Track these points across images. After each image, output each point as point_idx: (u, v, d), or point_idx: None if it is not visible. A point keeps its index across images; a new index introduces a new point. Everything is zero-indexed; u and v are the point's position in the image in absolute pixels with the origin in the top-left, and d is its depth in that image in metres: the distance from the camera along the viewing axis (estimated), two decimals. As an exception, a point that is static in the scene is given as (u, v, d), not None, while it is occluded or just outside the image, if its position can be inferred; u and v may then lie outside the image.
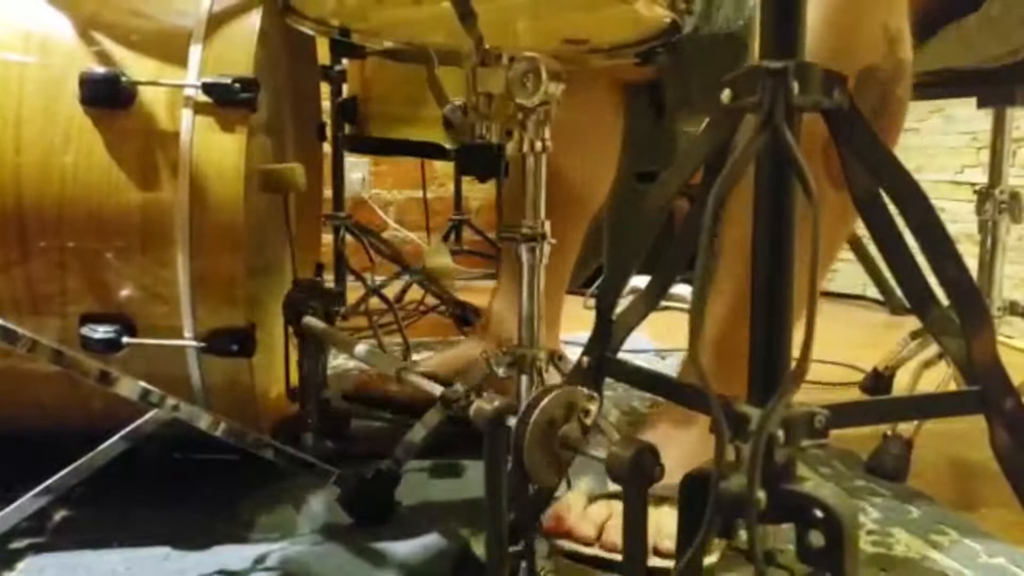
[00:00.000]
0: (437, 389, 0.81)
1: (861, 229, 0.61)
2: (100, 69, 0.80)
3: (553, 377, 0.74)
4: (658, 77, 1.12)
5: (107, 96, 0.80)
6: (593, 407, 0.59)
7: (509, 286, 1.20)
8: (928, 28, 0.96)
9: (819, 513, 0.44)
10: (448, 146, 1.70)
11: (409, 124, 1.84)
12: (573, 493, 0.79)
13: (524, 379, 0.73)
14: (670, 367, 1.66)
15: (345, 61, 1.83)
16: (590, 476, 0.80)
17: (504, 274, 1.25)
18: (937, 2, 0.94)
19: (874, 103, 0.78)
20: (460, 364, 1.14)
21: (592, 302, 1.68)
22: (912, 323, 1.46)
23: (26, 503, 0.73)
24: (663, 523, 0.70)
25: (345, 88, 1.88)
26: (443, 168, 2.93)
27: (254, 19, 0.85)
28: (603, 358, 0.65)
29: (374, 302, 1.85)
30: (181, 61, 0.82)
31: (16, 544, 0.80)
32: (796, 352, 0.45)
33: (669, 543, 0.62)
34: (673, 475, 0.51)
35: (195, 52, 0.82)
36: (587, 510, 0.78)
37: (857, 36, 0.77)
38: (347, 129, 1.89)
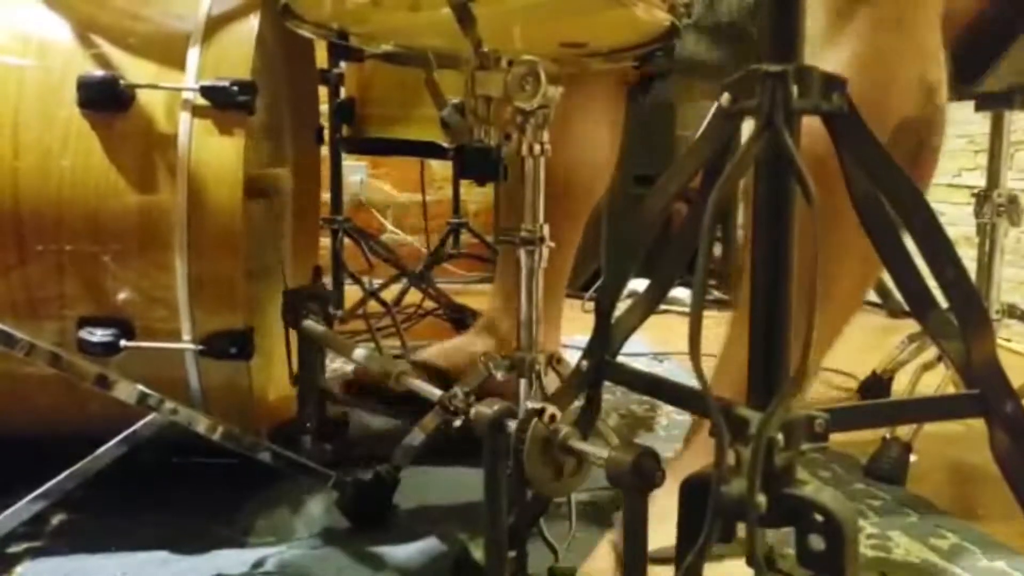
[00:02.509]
0: (435, 393, 0.81)
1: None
2: (98, 72, 0.80)
3: (552, 381, 0.74)
4: (662, 69, 1.12)
5: (105, 99, 0.80)
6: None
7: (505, 287, 1.20)
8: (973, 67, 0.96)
9: (819, 517, 0.44)
10: (446, 145, 1.71)
11: (407, 125, 1.84)
12: (598, 554, 0.76)
13: (523, 383, 0.73)
14: (668, 370, 1.66)
15: (343, 64, 1.84)
16: (614, 531, 0.77)
17: (500, 275, 1.25)
18: (973, 45, 0.93)
19: (909, 154, 0.77)
20: (459, 357, 1.14)
21: (591, 305, 1.68)
22: (910, 326, 1.46)
23: (24, 507, 0.73)
24: None
25: (343, 90, 1.88)
26: (441, 171, 2.93)
27: (252, 22, 0.85)
28: (602, 361, 0.64)
29: (372, 305, 1.85)
30: (179, 64, 0.82)
31: (14, 548, 0.79)
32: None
33: None
34: None
35: (193, 55, 0.82)
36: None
37: (892, 89, 0.76)
38: (345, 131, 1.89)
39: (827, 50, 0.75)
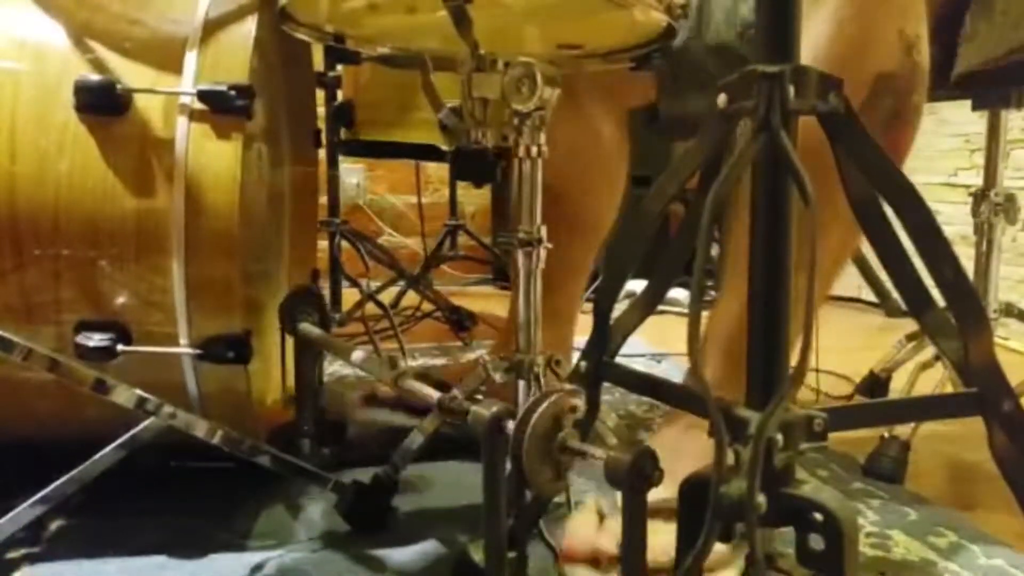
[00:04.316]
0: (434, 395, 0.81)
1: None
2: (95, 77, 0.80)
3: (551, 382, 0.74)
4: (657, 97, 1.12)
5: (102, 104, 0.79)
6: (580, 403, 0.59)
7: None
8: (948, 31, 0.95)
9: (819, 516, 0.44)
10: (444, 147, 1.71)
11: (404, 127, 1.85)
12: (582, 510, 0.76)
13: (522, 384, 0.73)
14: (666, 371, 1.66)
15: (339, 67, 1.84)
16: (596, 493, 0.78)
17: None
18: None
19: (889, 110, 0.77)
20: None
21: (589, 306, 1.68)
22: (908, 325, 1.46)
23: (22, 513, 0.73)
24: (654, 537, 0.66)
25: (339, 93, 1.88)
26: (438, 173, 2.93)
27: (249, 26, 0.85)
28: (601, 362, 0.65)
29: (370, 308, 1.85)
30: (176, 68, 0.82)
31: (12, 554, 0.79)
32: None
33: (663, 558, 0.60)
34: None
35: (190, 59, 0.82)
36: (605, 525, 0.74)
37: (872, 43, 0.76)
38: (342, 133, 1.89)
39: (808, 6, 0.75)
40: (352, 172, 2.95)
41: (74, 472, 0.74)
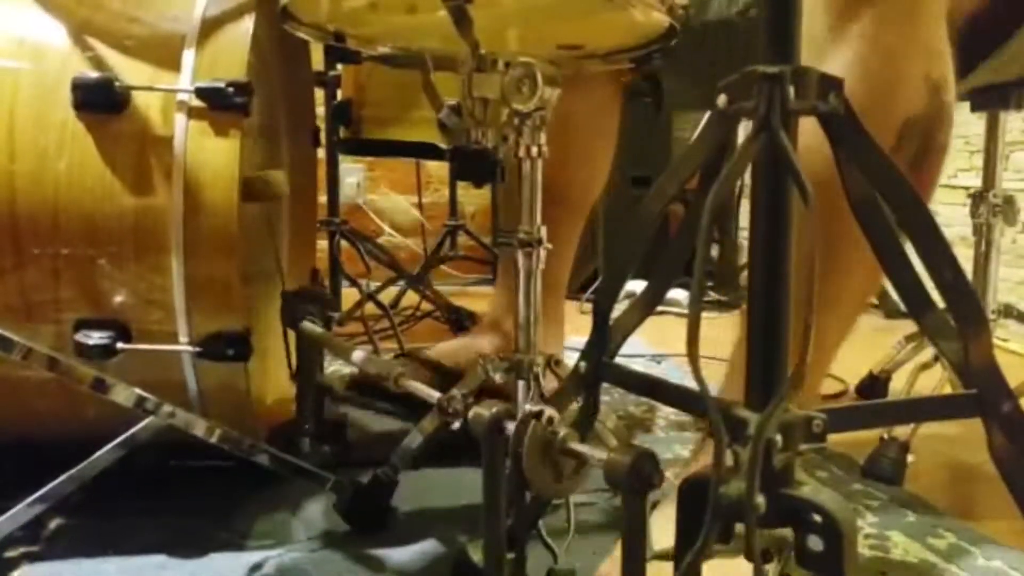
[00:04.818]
0: (434, 395, 0.81)
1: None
2: (93, 74, 0.80)
3: (551, 382, 0.74)
4: (654, 70, 1.12)
5: (100, 101, 0.79)
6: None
7: (508, 285, 1.20)
8: (971, 59, 0.94)
9: (818, 518, 0.44)
10: (443, 146, 1.71)
11: (405, 126, 1.85)
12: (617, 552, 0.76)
13: (521, 384, 0.73)
14: (665, 371, 1.66)
15: (340, 66, 1.84)
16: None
17: (503, 274, 1.25)
18: (973, 37, 0.92)
19: (915, 152, 0.77)
20: (464, 356, 1.14)
21: (588, 306, 1.68)
22: (907, 327, 1.46)
23: (21, 512, 0.73)
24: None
25: (339, 92, 1.88)
26: (438, 173, 2.93)
27: (247, 24, 0.85)
28: (600, 362, 0.64)
29: (370, 308, 1.85)
30: (174, 66, 0.82)
31: (11, 553, 0.79)
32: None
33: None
34: None
35: (188, 57, 0.82)
36: None
37: (898, 88, 0.76)
38: (342, 132, 1.89)
39: (830, 51, 0.75)
40: (352, 171, 2.94)
41: (73, 471, 0.74)
